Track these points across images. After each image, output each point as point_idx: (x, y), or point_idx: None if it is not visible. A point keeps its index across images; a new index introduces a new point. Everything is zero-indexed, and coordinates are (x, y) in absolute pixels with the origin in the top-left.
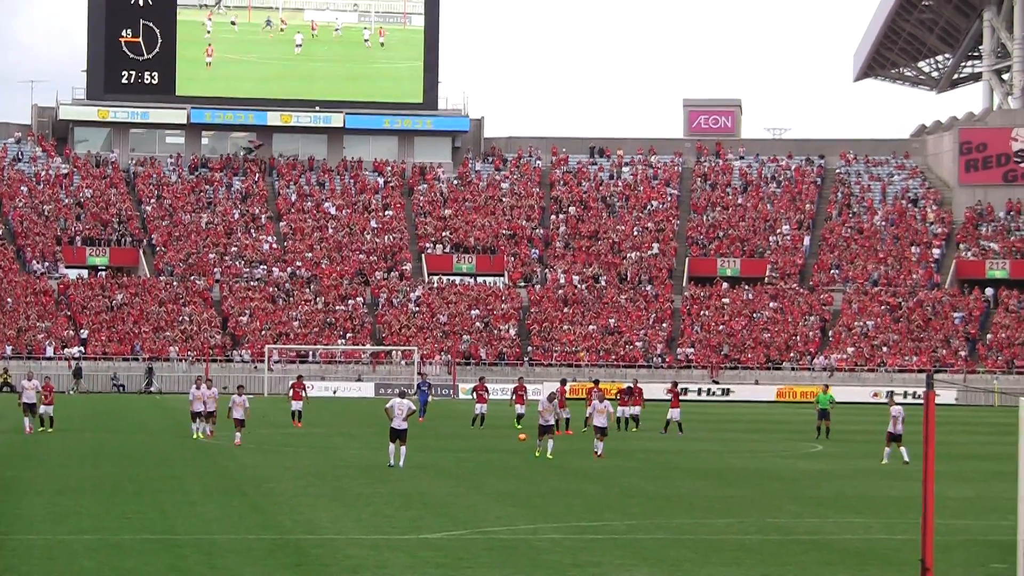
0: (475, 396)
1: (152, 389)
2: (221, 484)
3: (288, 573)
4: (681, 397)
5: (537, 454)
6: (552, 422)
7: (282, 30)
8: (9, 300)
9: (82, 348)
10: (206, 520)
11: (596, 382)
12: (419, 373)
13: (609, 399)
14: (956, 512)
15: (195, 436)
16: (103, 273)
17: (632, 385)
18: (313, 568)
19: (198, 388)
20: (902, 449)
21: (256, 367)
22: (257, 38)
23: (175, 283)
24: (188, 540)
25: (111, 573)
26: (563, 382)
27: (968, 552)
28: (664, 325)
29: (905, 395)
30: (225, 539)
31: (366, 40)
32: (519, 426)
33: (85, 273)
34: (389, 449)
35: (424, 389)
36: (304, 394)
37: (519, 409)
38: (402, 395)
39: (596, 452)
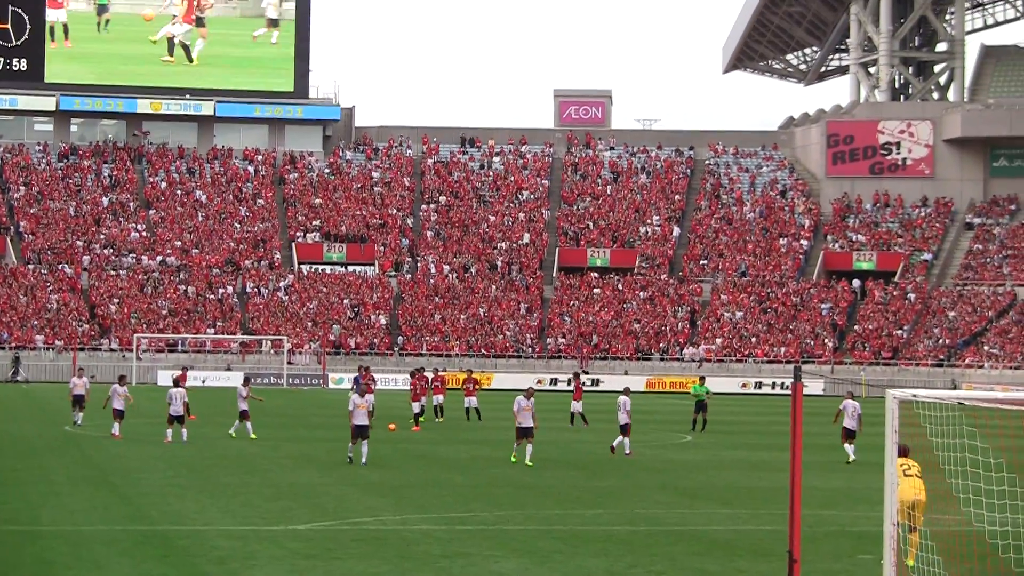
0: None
1: (19, 378)
2: (88, 474)
3: (155, 564)
4: (550, 388)
5: (514, 459)
6: (531, 424)
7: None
8: None
9: None
10: (72, 511)
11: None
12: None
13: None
14: (824, 503)
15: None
16: None
17: (573, 377)
18: (180, 559)
19: (79, 378)
20: (851, 447)
21: (124, 356)
22: (128, 24)
23: (43, 271)
24: (54, 531)
25: None
26: (434, 371)
27: (835, 543)
28: (534, 315)
29: (773, 386)
30: (91, 530)
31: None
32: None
33: None
34: (348, 447)
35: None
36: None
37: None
38: (362, 394)
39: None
